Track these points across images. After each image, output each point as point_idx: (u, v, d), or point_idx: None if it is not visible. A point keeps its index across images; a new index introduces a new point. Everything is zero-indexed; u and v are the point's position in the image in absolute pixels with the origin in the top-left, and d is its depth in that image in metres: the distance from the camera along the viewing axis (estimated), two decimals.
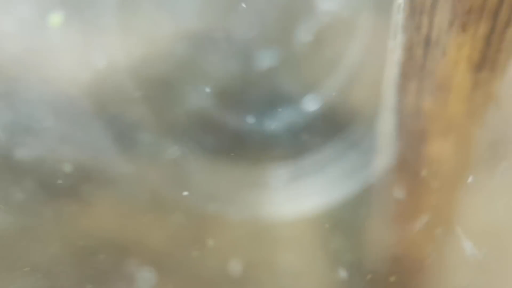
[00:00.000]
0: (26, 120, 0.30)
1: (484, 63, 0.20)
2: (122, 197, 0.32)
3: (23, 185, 0.31)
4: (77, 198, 0.31)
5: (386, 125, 0.26)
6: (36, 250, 0.30)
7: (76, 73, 0.31)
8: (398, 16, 0.19)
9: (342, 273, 0.33)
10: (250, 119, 0.35)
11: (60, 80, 0.31)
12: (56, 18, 0.29)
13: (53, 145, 0.30)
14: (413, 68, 0.21)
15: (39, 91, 0.30)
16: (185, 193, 0.32)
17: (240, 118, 0.34)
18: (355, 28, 0.34)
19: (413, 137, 0.25)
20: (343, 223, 0.34)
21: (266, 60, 0.35)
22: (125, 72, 0.32)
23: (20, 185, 0.31)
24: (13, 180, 0.31)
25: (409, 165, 0.27)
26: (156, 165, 0.33)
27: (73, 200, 0.30)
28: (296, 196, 0.35)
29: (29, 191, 0.30)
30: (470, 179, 0.25)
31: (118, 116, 0.32)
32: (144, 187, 0.33)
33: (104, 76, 0.31)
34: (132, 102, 0.32)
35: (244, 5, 0.33)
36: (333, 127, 0.35)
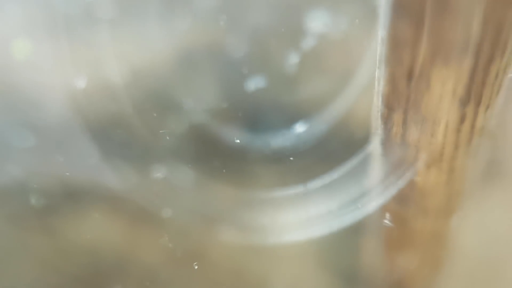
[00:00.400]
0: (8, 142, 0.30)
1: (470, 97, 0.19)
2: (98, 227, 0.32)
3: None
4: (47, 230, 0.31)
5: (376, 152, 0.26)
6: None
7: (63, 90, 0.31)
8: (381, 47, 0.19)
9: None
10: (243, 138, 0.34)
11: (46, 98, 0.31)
12: (21, 47, 0.28)
13: (37, 164, 0.30)
14: (398, 99, 0.20)
15: (21, 112, 0.30)
16: (172, 212, 0.32)
17: (232, 137, 0.34)
18: (351, 49, 0.33)
19: (401, 166, 0.24)
20: (336, 247, 0.33)
21: (261, 78, 0.35)
22: (115, 88, 0.32)
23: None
24: None
25: (399, 192, 0.26)
26: (145, 183, 0.33)
27: (42, 233, 0.30)
28: (288, 218, 0.35)
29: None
30: (460, 213, 0.24)
31: (106, 132, 0.32)
32: (131, 207, 0.32)
33: (93, 92, 0.31)
34: (122, 118, 0.32)
35: (236, 22, 0.33)
36: (328, 149, 0.35)
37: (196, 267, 0.33)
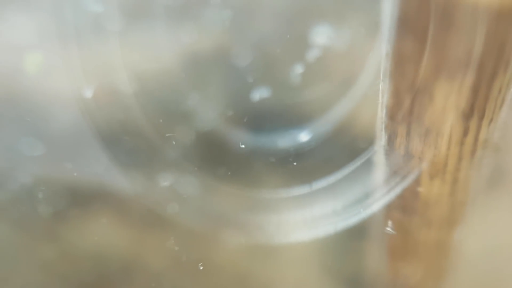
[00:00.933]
0: (18, 149, 0.30)
1: (473, 111, 0.20)
2: (103, 236, 0.32)
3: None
4: (53, 236, 0.31)
5: (380, 162, 0.26)
6: None
7: (73, 98, 0.31)
8: (386, 62, 0.19)
9: None
10: (248, 142, 0.35)
11: (55, 106, 0.32)
12: (32, 58, 0.29)
13: (45, 170, 0.30)
14: (401, 112, 0.21)
15: (26, 119, 0.31)
16: (178, 217, 0.32)
17: (238, 142, 0.35)
18: (354, 57, 0.34)
19: (405, 176, 0.25)
20: (340, 253, 0.34)
21: (265, 85, 0.35)
22: (123, 96, 0.32)
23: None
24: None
25: (403, 203, 0.26)
26: (152, 189, 0.33)
27: (49, 239, 0.31)
28: (294, 221, 0.35)
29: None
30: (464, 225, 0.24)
31: (114, 139, 0.32)
32: (137, 212, 0.33)
33: (102, 100, 0.32)
34: (130, 125, 0.33)
35: (248, 27, 0.33)
36: (334, 154, 0.35)
37: (201, 268, 0.33)
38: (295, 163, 0.34)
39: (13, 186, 0.33)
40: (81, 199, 0.33)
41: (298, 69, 0.35)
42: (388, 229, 0.27)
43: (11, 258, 0.33)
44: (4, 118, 0.33)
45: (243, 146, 0.34)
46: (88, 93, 0.32)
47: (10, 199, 0.32)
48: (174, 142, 0.33)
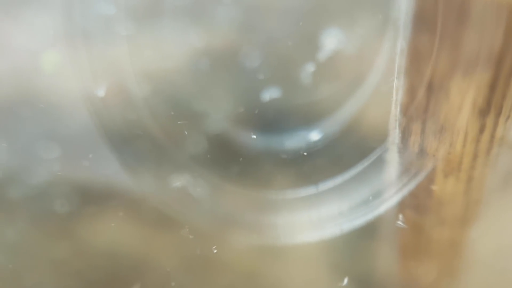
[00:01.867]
0: (27, 152, 0.30)
1: (489, 108, 0.19)
2: (117, 235, 0.32)
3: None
4: (67, 234, 0.31)
5: (393, 160, 0.26)
6: None
7: (84, 98, 0.32)
8: (401, 58, 0.19)
9: None
10: (257, 142, 0.35)
11: (67, 107, 0.32)
12: (47, 58, 0.29)
13: (58, 170, 0.30)
14: (416, 109, 0.20)
15: (40, 119, 0.31)
16: (188, 216, 0.32)
17: (246, 140, 0.35)
18: (364, 57, 0.34)
19: (418, 175, 0.24)
20: (350, 252, 0.34)
21: (275, 84, 0.35)
22: (134, 97, 0.32)
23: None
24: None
25: (416, 201, 0.26)
26: (163, 188, 0.33)
27: (63, 237, 0.31)
28: (304, 221, 0.35)
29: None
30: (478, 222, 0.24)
31: (125, 139, 0.33)
32: (149, 211, 0.33)
33: (112, 101, 0.32)
34: (140, 125, 0.33)
35: (257, 26, 0.33)
36: (344, 153, 0.35)
37: (215, 251, 0.33)
38: (304, 163, 0.34)
39: (27, 185, 0.33)
40: (94, 198, 0.33)
41: (308, 68, 0.35)
42: (399, 222, 0.27)
43: (25, 255, 0.33)
44: (19, 117, 0.33)
45: (254, 136, 0.34)
46: (100, 94, 0.32)
47: (24, 197, 0.33)
48: (186, 133, 0.33)
